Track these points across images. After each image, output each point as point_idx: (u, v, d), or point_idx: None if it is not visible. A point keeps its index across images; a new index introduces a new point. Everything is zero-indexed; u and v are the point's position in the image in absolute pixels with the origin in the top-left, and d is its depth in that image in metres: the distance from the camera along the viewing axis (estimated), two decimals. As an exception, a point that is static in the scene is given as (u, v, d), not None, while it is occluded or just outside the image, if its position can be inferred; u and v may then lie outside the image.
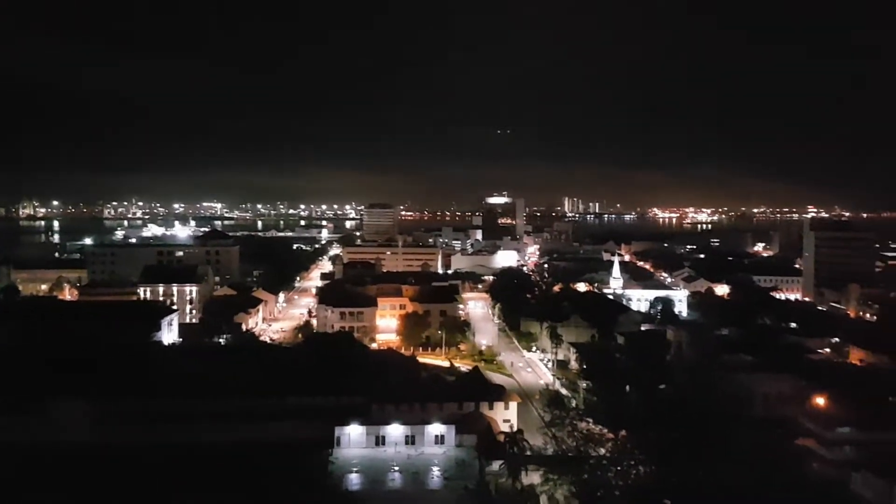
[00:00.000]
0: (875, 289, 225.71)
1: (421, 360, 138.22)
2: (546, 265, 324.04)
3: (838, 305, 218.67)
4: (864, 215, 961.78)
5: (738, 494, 57.56)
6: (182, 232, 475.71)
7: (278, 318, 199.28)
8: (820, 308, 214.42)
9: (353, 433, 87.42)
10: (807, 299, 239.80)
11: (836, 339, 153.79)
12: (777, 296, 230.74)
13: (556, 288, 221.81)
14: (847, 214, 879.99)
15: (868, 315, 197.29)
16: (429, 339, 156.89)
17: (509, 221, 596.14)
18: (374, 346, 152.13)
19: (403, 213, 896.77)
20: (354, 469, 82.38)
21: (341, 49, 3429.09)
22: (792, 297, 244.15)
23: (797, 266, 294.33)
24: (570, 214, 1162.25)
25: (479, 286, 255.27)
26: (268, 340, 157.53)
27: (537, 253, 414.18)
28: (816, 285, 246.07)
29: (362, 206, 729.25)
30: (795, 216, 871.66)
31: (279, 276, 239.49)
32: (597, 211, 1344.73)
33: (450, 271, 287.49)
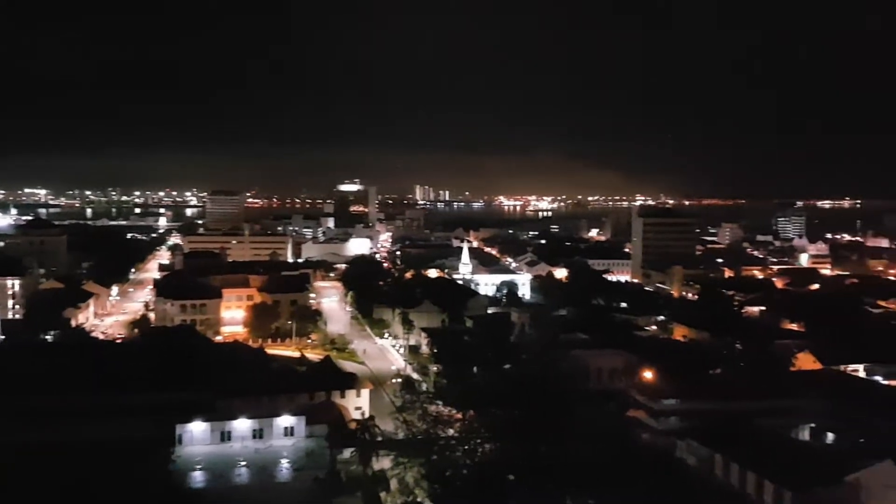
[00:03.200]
0: (696, 270, 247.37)
1: (270, 351, 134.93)
2: (398, 252, 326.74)
3: (663, 286, 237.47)
4: (686, 202, 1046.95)
5: (575, 466, 61.31)
6: (2, 221, 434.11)
7: (112, 313, 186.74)
8: (647, 288, 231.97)
9: (196, 430, 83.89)
10: (635, 280, 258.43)
11: (662, 317, 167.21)
12: (609, 278, 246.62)
13: (409, 275, 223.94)
14: (671, 202, 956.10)
15: (690, 294, 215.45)
16: (278, 329, 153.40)
17: (361, 209, 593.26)
18: (218, 339, 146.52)
19: (250, 200, 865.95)
20: (198, 467, 79.13)
21: (179, 23, 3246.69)
22: (622, 278, 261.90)
23: (627, 250, 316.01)
24: (422, 202, 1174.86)
25: (332, 274, 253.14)
26: (101, 336, 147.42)
27: (390, 240, 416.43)
28: (644, 267, 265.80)
29: (205, 193, 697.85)
30: (625, 203, 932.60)
31: (112, 268, 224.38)
32: (447, 199, 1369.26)
33: (300, 260, 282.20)
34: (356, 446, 79.12)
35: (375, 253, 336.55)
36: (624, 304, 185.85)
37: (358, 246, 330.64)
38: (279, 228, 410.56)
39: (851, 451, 76.10)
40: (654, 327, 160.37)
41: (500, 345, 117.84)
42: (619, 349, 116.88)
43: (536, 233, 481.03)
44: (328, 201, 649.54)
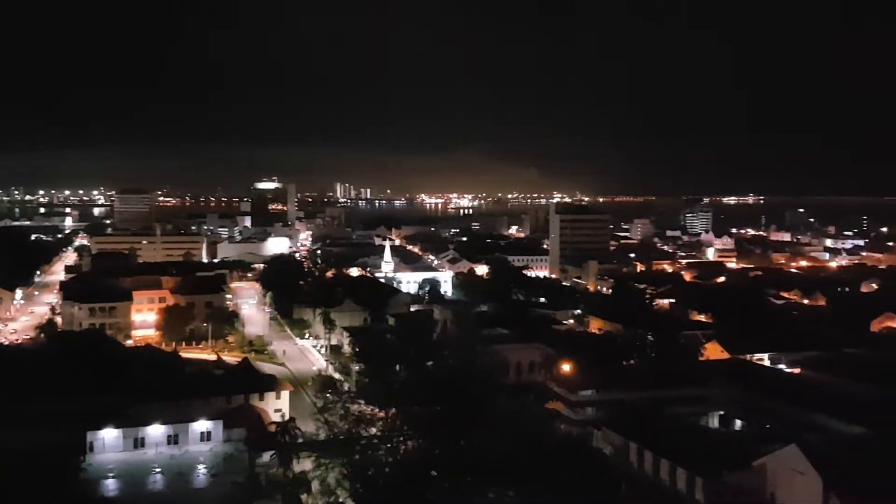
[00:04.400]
0: (610, 264, 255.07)
1: (185, 355, 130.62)
2: (319, 251, 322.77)
3: (580, 280, 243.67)
4: (601, 199, 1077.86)
5: (496, 459, 62.18)
6: None
7: (16, 317, 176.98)
8: (565, 283, 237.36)
9: (108, 437, 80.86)
10: (553, 276, 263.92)
11: (579, 311, 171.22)
12: (529, 273, 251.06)
13: (330, 274, 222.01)
14: (586, 199, 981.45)
15: (605, 288, 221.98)
16: (193, 332, 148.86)
17: (280, 207, 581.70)
18: (129, 343, 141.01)
19: (162, 199, 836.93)
20: (110, 475, 76.29)
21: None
22: (541, 274, 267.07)
23: (545, 246, 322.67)
24: (343, 200, 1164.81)
25: (249, 275, 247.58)
26: (4, 342, 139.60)
27: (310, 239, 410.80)
28: (561, 263, 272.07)
29: (113, 192, 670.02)
30: (543, 201, 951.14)
31: (16, 271, 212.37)
32: (368, 197, 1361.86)
33: (216, 260, 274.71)
34: (276, 449, 77.77)
35: (295, 252, 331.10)
36: (543, 299, 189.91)
37: (276, 245, 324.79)
38: (193, 228, 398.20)
39: (758, 437, 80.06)
40: (572, 321, 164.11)
41: (422, 342, 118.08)
42: (538, 343, 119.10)
43: (458, 230, 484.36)
44: (245, 200, 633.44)
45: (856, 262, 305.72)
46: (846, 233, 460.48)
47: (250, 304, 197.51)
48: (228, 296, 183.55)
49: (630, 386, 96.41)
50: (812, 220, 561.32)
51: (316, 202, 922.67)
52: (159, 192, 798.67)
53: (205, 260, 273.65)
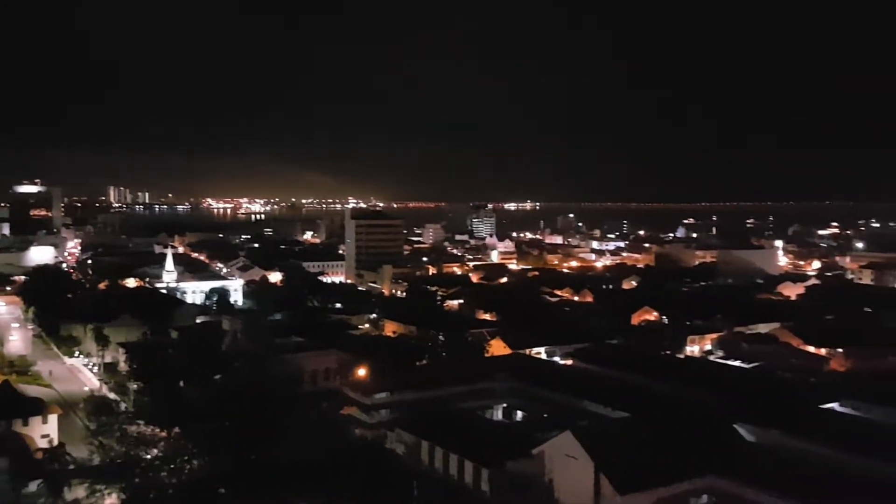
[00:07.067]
0: (404, 268, 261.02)
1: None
2: (90, 261, 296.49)
3: (375, 285, 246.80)
4: (395, 205, 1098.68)
5: (288, 469, 61.18)
6: None
7: None
8: (360, 288, 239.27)
9: None
10: (349, 281, 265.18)
11: (374, 315, 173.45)
12: (324, 279, 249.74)
13: (103, 285, 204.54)
14: (381, 205, 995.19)
15: (399, 291, 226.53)
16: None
17: (44, 213, 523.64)
18: None
19: None
20: None
21: None
22: (337, 279, 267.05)
23: (341, 251, 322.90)
24: (118, 205, 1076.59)
25: (9, 288, 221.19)
26: None
27: (79, 248, 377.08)
28: (357, 268, 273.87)
29: None
30: (339, 206, 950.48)
31: None
32: (147, 201, 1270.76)
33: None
34: (43, 477, 70.87)
35: (62, 262, 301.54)
36: (339, 305, 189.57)
37: (40, 255, 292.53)
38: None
39: (537, 426, 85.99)
40: (367, 325, 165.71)
41: (209, 355, 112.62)
42: (334, 349, 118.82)
43: (249, 236, 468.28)
44: (2, 205, 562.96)
45: (617, 261, 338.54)
46: (609, 235, 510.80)
47: (9, 321, 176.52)
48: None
49: (422, 385, 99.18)
50: (580, 224, 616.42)
51: (87, 207, 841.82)
52: None
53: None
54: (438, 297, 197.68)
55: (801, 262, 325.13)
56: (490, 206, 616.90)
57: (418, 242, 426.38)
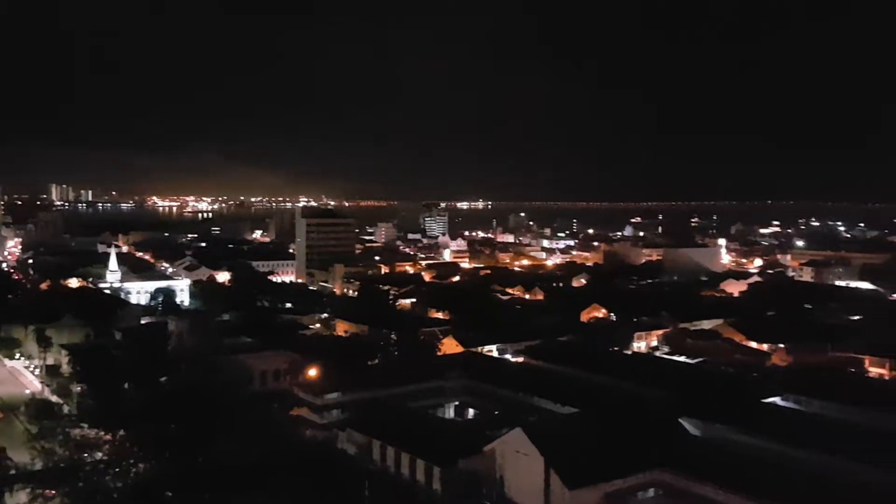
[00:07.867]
0: (356, 267, 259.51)
1: None
2: (31, 260, 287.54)
3: (326, 284, 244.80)
4: (346, 204, 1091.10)
5: (236, 471, 60.33)
6: None
7: None
8: (311, 287, 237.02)
9: None
10: (300, 280, 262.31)
11: (325, 315, 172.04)
12: (274, 279, 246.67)
13: (45, 285, 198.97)
14: (332, 203, 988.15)
15: (351, 291, 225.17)
16: None
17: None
18: None
19: None
20: None
21: None
22: (288, 279, 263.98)
23: (292, 250, 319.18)
24: (59, 203, 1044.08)
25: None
26: None
27: (19, 247, 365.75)
28: (308, 267, 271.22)
29: None
30: (289, 205, 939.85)
31: None
32: (90, 199, 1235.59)
33: None
34: (-18, 485, 68.25)
35: (2, 262, 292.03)
36: (289, 304, 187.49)
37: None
38: None
39: (488, 424, 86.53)
40: (318, 325, 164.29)
41: (154, 356, 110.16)
42: (284, 349, 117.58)
43: (196, 235, 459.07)
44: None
45: (567, 260, 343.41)
46: (560, 234, 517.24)
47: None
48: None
49: (374, 384, 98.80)
50: (531, 222, 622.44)
51: (27, 205, 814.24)
52: None
53: None
54: (390, 297, 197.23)
55: (744, 260, 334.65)
56: (443, 204, 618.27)
57: (370, 241, 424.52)
